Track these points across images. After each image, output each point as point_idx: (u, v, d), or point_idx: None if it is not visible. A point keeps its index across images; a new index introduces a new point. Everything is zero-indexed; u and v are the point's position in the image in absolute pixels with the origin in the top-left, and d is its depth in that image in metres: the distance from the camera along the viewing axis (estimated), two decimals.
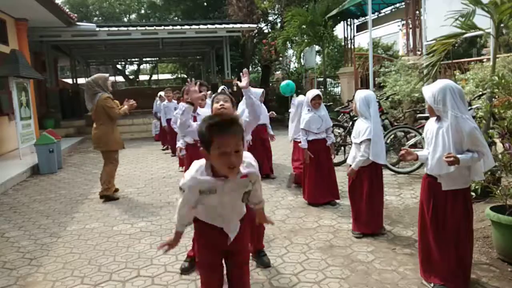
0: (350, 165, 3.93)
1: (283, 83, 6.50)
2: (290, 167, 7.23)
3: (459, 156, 2.59)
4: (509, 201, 3.24)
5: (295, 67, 18.02)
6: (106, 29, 13.68)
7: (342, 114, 9.03)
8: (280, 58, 17.49)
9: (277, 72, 22.37)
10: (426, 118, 6.33)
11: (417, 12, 11.23)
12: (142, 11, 26.94)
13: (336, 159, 7.47)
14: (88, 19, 22.69)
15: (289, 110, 5.99)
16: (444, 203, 2.75)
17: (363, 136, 3.72)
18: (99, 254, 3.75)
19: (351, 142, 4.09)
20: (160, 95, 10.59)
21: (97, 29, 13.41)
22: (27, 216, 5.05)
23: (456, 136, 2.63)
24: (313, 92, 5.02)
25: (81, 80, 22.32)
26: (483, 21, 4.58)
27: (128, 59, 25.50)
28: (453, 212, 2.74)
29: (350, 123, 7.48)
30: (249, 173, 2.03)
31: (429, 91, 2.73)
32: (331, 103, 11.67)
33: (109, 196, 5.58)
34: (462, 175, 2.71)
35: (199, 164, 2.03)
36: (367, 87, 10.09)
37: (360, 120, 3.85)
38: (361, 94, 3.85)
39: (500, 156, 3.65)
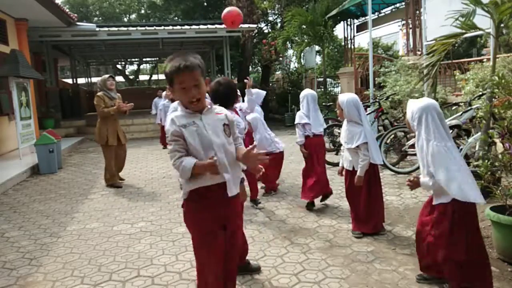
0: (347, 169, 3.93)
1: None
2: (290, 168, 7.24)
3: (421, 180, 2.71)
4: (509, 201, 3.24)
5: (295, 67, 18.02)
6: (106, 29, 13.68)
7: None
8: (280, 58, 17.49)
9: (277, 72, 22.37)
10: None
11: (417, 12, 11.23)
12: (142, 11, 26.93)
13: (336, 159, 7.49)
14: (88, 19, 22.72)
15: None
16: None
17: (358, 140, 3.72)
18: (99, 254, 3.75)
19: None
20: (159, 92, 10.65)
21: (97, 29, 13.40)
22: (27, 216, 5.05)
23: (423, 157, 2.69)
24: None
25: (81, 80, 22.38)
26: (483, 21, 4.58)
27: (128, 59, 25.50)
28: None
29: None
30: (222, 111, 2.31)
31: (411, 107, 2.76)
32: (331, 103, 11.66)
33: (112, 184, 6.35)
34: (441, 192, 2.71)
35: (172, 110, 2.20)
36: (367, 87, 10.09)
37: (350, 124, 3.83)
38: (347, 99, 3.81)
39: (500, 156, 3.65)
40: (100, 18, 26.21)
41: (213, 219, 2.23)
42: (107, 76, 6.39)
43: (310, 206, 4.79)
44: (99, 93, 6.17)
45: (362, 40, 61.67)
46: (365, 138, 3.71)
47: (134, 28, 13.97)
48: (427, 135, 2.63)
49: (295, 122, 4.90)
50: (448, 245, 2.65)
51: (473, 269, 2.63)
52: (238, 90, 3.60)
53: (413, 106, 2.74)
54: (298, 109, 5.08)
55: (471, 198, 2.55)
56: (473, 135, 5.30)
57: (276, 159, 5.49)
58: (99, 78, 6.43)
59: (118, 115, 6.38)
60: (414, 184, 2.77)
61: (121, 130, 6.47)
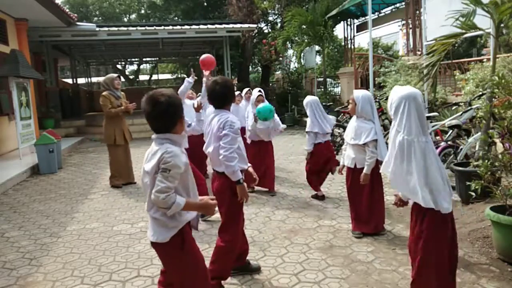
0: (349, 167, 3.92)
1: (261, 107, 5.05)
2: (290, 168, 7.24)
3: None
4: (509, 201, 3.23)
5: (295, 67, 18.02)
6: (106, 29, 13.67)
7: (342, 114, 9.03)
8: (280, 58, 17.48)
9: (277, 72, 22.36)
10: (427, 118, 6.35)
11: (417, 12, 11.22)
12: (142, 11, 26.90)
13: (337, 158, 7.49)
14: (88, 19, 22.68)
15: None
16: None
17: (368, 137, 3.69)
18: (99, 254, 3.75)
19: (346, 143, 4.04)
20: None
21: (97, 29, 13.39)
22: (27, 216, 5.05)
23: (391, 149, 2.58)
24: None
25: (81, 80, 22.35)
26: (483, 21, 4.58)
27: (128, 59, 25.47)
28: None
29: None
30: None
31: (391, 95, 2.59)
32: (331, 103, 11.66)
33: (113, 185, 6.33)
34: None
35: (167, 145, 2.14)
36: (367, 87, 10.09)
37: (359, 121, 3.80)
38: (362, 94, 3.79)
39: (500, 156, 3.65)
40: (100, 18, 26.18)
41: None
42: (115, 75, 6.39)
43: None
44: (104, 93, 6.15)
45: (362, 40, 61.72)
46: (375, 135, 3.70)
47: (134, 28, 13.97)
48: (399, 126, 2.49)
49: (306, 130, 5.15)
50: (422, 251, 2.46)
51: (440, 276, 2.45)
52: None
53: (393, 94, 2.58)
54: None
55: (430, 204, 2.38)
56: (473, 135, 5.30)
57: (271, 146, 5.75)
58: (105, 77, 6.44)
59: (124, 114, 6.39)
60: (401, 203, 2.61)
61: (127, 129, 6.45)
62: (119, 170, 6.37)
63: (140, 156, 9.35)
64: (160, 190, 2.03)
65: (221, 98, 3.01)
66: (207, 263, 2.69)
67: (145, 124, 13.97)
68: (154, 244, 2.21)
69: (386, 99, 8.46)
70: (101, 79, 6.56)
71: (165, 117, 2.13)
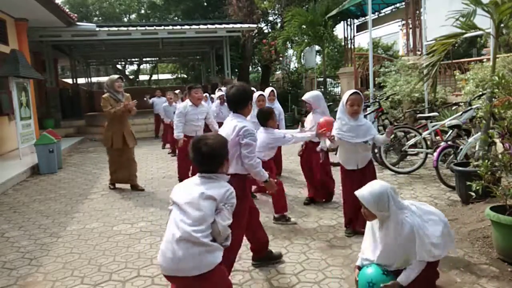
0: (350, 169, 3.91)
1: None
2: (290, 167, 7.24)
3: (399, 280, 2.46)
4: (509, 201, 3.23)
5: (295, 67, 18.02)
6: (106, 29, 13.67)
7: None
8: (280, 58, 17.49)
9: (277, 72, 22.37)
10: (426, 118, 6.36)
11: (417, 12, 11.23)
12: (142, 11, 26.92)
13: (336, 159, 7.48)
14: (88, 19, 22.69)
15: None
16: None
17: (371, 131, 3.79)
18: (99, 254, 3.75)
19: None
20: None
21: (97, 29, 13.39)
22: (27, 216, 5.05)
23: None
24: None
25: (81, 80, 22.36)
26: (483, 21, 4.58)
27: (128, 59, 25.49)
28: None
29: None
30: None
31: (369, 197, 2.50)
32: (331, 103, 11.65)
33: (111, 183, 6.31)
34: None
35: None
36: (367, 87, 10.09)
37: (359, 120, 3.80)
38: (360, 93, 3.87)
39: (500, 156, 3.64)
40: (100, 18, 26.18)
41: None
42: (116, 77, 6.04)
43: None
44: (105, 95, 5.87)
45: (362, 40, 61.80)
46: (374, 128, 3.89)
47: (134, 28, 13.97)
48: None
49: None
50: None
51: None
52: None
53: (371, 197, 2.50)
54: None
55: None
56: (473, 135, 5.30)
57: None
58: (107, 78, 6.26)
59: (127, 116, 6.03)
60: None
61: (130, 132, 6.08)
62: (116, 172, 6.18)
63: (140, 156, 9.33)
64: (228, 223, 2.22)
65: (235, 101, 3.14)
66: None
67: (146, 124, 14.02)
68: (203, 277, 2.12)
69: (386, 99, 8.48)
70: (101, 79, 6.53)
71: (212, 159, 2.30)
